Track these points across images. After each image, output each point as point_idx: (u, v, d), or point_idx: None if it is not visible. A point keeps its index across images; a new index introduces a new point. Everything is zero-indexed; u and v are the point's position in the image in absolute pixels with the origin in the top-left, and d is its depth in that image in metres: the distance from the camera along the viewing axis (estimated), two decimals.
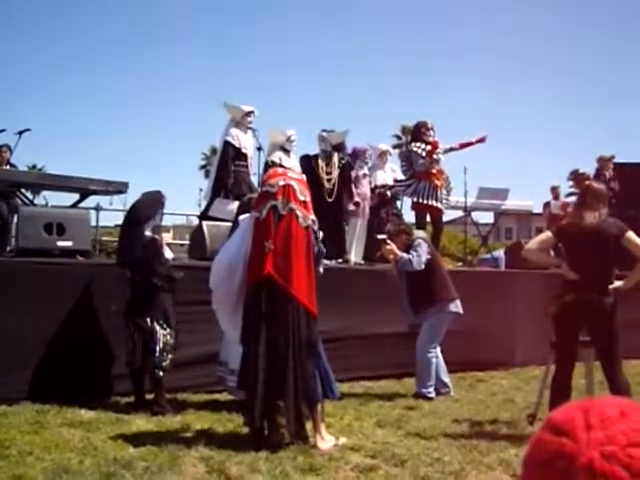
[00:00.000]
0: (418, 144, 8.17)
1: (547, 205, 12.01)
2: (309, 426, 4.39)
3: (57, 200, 8.89)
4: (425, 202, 8.11)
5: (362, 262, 8.05)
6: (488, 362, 7.46)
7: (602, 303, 4.50)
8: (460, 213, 10.45)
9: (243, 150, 7.67)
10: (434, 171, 8.11)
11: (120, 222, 6.81)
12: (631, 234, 4.54)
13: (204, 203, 8.14)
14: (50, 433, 4.42)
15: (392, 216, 8.74)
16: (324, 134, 8.15)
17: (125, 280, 5.30)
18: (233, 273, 4.52)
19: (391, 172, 8.96)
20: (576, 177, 10.35)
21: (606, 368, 4.62)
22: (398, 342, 6.71)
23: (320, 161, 8.03)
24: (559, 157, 70.41)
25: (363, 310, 6.72)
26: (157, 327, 5.16)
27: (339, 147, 8.25)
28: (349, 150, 8.49)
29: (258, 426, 4.32)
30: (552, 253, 5.58)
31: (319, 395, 4.42)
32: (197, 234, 6.84)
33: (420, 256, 6.06)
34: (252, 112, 7.77)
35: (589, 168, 10.42)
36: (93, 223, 9.66)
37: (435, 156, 8.11)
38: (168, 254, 5.63)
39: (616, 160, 10.38)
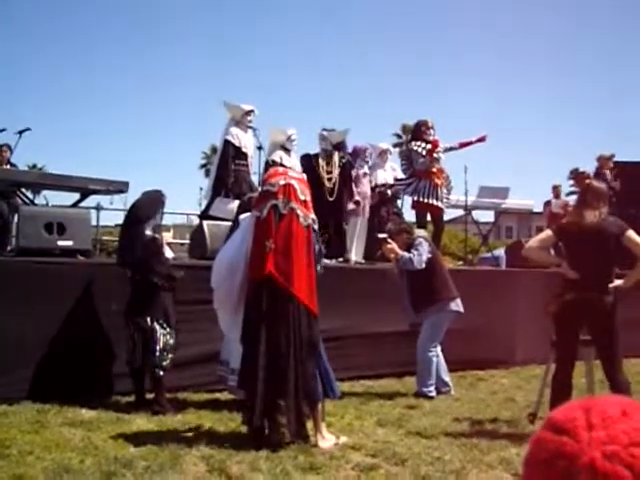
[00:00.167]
0: (418, 143, 8.17)
1: (548, 204, 12.01)
2: (310, 425, 4.39)
3: (57, 200, 8.91)
4: (425, 201, 8.10)
5: (363, 261, 8.04)
6: (489, 361, 7.46)
7: (602, 302, 4.50)
8: (461, 212, 10.45)
9: (243, 149, 7.66)
10: (434, 170, 8.10)
11: (120, 221, 6.82)
12: (631, 233, 4.54)
13: (204, 202, 8.14)
14: (51, 432, 4.42)
15: (392, 215, 8.75)
16: (324, 133, 8.14)
17: (125, 279, 5.30)
18: (234, 272, 4.52)
19: (391, 171, 8.95)
20: (576, 176, 10.37)
21: (606, 367, 4.61)
22: (399, 341, 6.71)
23: (320, 160, 8.03)
24: (559, 156, 70.36)
25: (364, 309, 6.71)
26: (157, 326, 5.16)
27: (340, 146, 8.25)
28: (349, 149, 8.49)
29: (258, 425, 4.32)
30: (552, 252, 5.57)
31: (320, 394, 4.43)
32: (197, 233, 6.84)
33: (421, 255, 6.06)
34: (252, 111, 7.76)
35: (589, 167, 10.43)
36: (94, 222, 9.64)
37: (435, 155, 8.10)
38: (168, 253, 5.63)
39: (617, 159, 10.38)
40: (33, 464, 3.81)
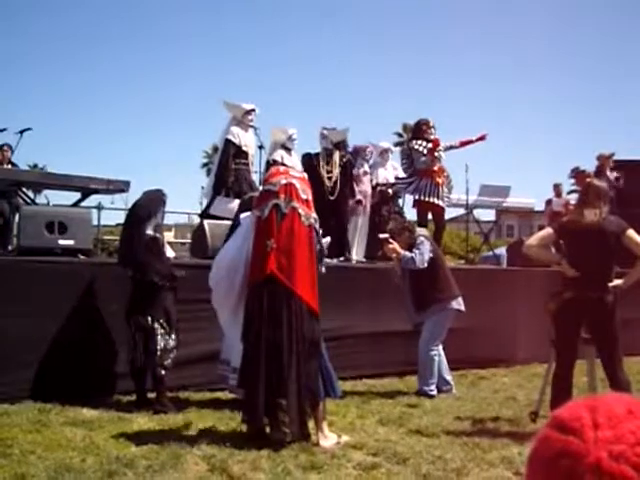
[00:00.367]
0: (419, 142, 8.16)
1: (549, 202, 12.02)
2: (311, 424, 4.39)
3: (59, 199, 8.95)
4: (426, 200, 8.10)
5: (364, 260, 8.04)
6: (490, 359, 7.46)
7: (602, 301, 4.49)
8: (462, 211, 10.45)
9: (244, 148, 7.66)
10: (435, 169, 8.10)
11: (122, 221, 6.82)
12: (632, 232, 4.53)
13: (205, 201, 8.14)
14: (52, 432, 4.41)
15: (393, 214, 8.73)
16: (325, 132, 8.14)
17: (126, 279, 5.29)
18: (234, 272, 4.52)
19: (392, 170, 8.95)
20: (577, 175, 10.34)
21: (607, 365, 4.61)
22: (400, 340, 6.70)
23: (321, 159, 8.02)
24: (560, 155, 70.36)
25: (365, 308, 6.71)
26: (158, 326, 5.16)
27: (340, 145, 8.25)
28: (350, 148, 8.48)
29: (259, 424, 4.31)
30: (553, 250, 5.56)
31: (321, 393, 4.42)
32: (198, 233, 6.83)
33: (423, 254, 6.05)
34: (253, 110, 7.75)
35: (590, 166, 10.41)
36: (95, 222, 9.66)
37: (436, 154, 8.10)
38: (169, 253, 5.62)
39: (618, 157, 10.36)
40: (35, 463, 3.81)
